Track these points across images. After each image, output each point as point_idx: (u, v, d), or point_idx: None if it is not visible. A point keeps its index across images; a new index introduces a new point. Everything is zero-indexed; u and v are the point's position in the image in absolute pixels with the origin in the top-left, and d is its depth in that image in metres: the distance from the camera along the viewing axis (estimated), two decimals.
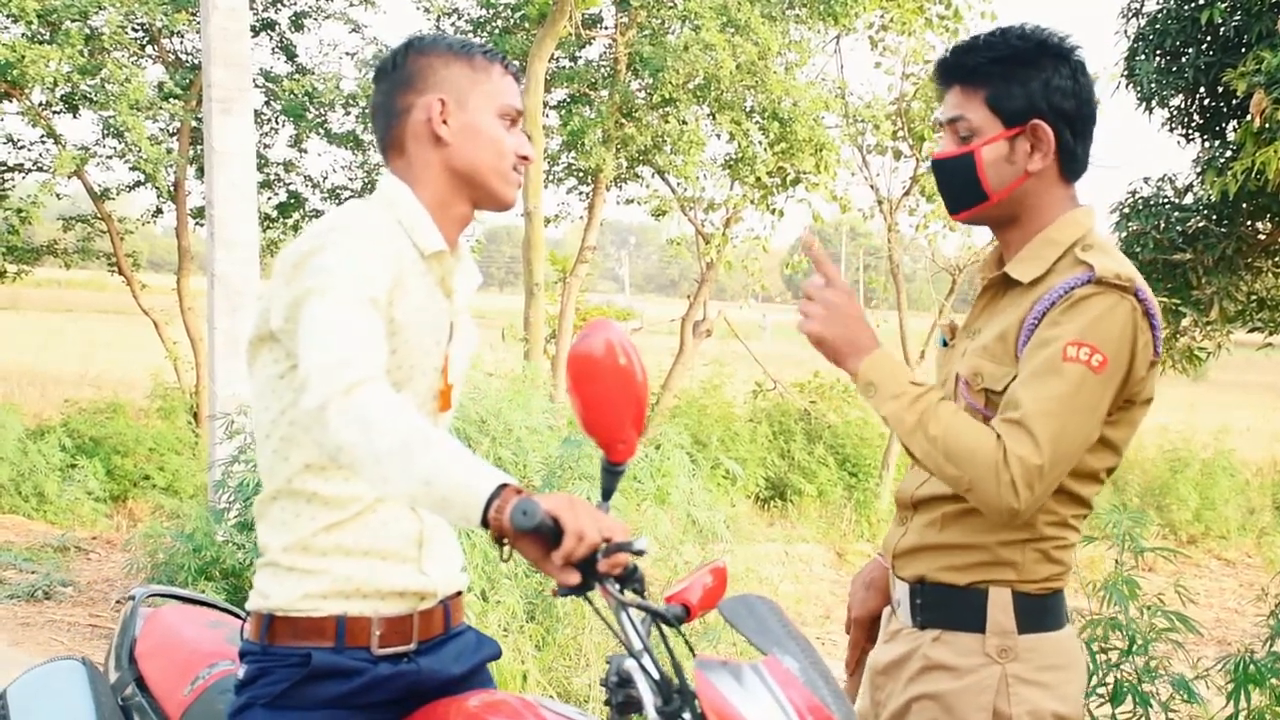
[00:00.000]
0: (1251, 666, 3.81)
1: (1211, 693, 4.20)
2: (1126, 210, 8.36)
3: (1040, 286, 2.21)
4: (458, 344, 2.18)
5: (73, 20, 10.09)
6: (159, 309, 12.12)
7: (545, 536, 1.70)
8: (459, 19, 13.36)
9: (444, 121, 2.11)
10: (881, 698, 2.40)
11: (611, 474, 1.86)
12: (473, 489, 1.75)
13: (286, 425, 2.06)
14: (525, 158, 2.17)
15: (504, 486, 1.75)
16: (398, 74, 2.16)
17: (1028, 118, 2.22)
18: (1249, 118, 6.76)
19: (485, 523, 1.74)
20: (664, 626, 1.85)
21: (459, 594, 2.25)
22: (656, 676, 1.79)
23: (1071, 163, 2.28)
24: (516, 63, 2.19)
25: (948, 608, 2.30)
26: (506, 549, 1.76)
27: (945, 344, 2.46)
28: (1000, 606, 2.25)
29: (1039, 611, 2.27)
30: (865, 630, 2.61)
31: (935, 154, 2.35)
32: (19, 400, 12.53)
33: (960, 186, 2.29)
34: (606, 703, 1.87)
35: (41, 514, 9.06)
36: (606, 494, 1.89)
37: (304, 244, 2.00)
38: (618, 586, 1.79)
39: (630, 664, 1.81)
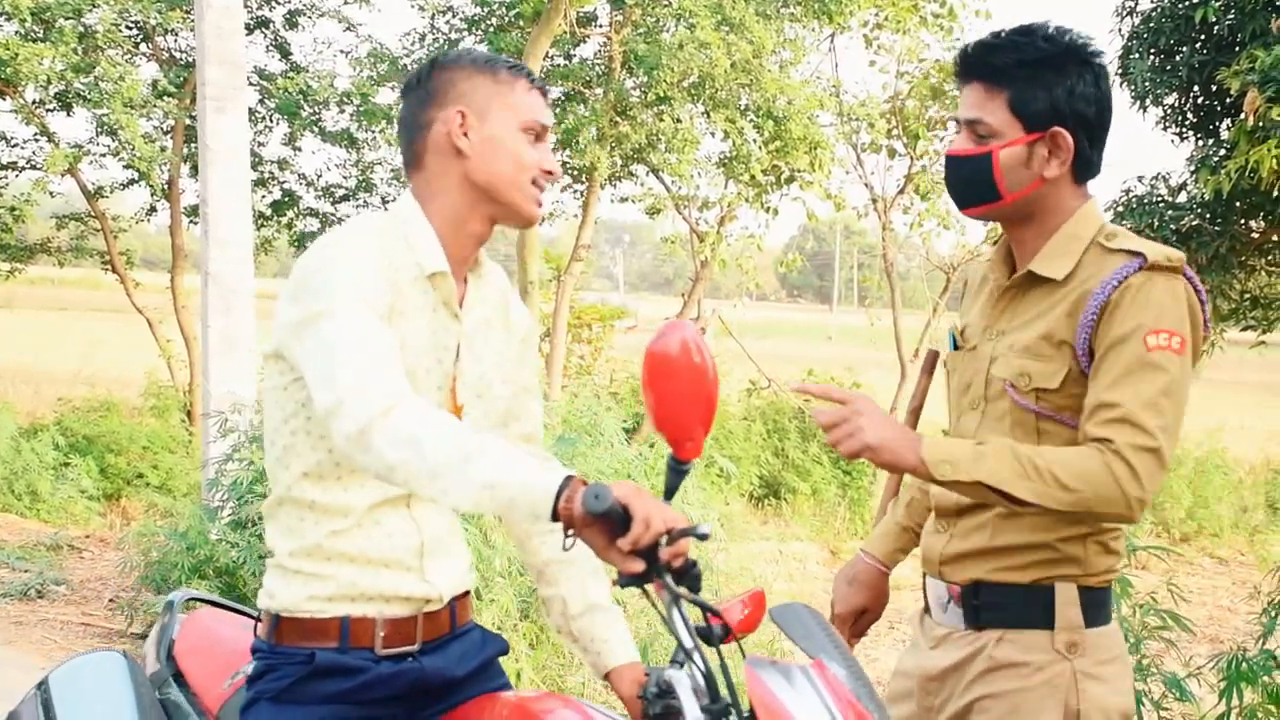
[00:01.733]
0: (1244, 664, 3.82)
1: (1204, 691, 4.21)
2: (1120, 208, 8.37)
3: (1074, 280, 2.22)
4: (468, 363, 2.17)
5: (66, 18, 10.08)
6: (153, 307, 12.11)
7: (614, 522, 1.74)
8: (454, 17, 13.35)
9: (464, 134, 2.11)
10: (935, 703, 2.39)
11: (677, 472, 1.87)
12: (540, 486, 1.78)
13: (288, 434, 2.09)
14: (550, 172, 2.15)
15: (570, 478, 1.78)
16: (422, 89, 2.17)
17: (1049, 124, 2.21)
18: (1243, 116, 6.77)
19: (555, 515, 1.76)
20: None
21: (466, 594, 2.26)
22: (704, 673, 1.80)
23: (1086, 168, 2.29)
24: (543, 80, 2.18)
25: (1012, 607, 2.30)
26: (571, 539, 1.79)
27: (956, 347, 2.44)
28: (1068, 601, 2.26)
29: (1100, 604, 2.29)
30: (847, 625, 2.64)
31: (950, 150, 2.33)
32: (12, 398, 12.50)
33: (974, 185, 2.29)
34: (644, 714, 1.89)
35: (35, 512, 9.05)
36: (670, 492, 1.89)
37: (308, 262, 2.02)
38: (674, 581, 1.80)
39: (672, 673, 1.84)
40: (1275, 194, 7.01)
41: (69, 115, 11.12)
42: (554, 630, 2.51)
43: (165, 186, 11.64)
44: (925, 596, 2.46)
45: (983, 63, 2.26)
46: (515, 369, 2.30)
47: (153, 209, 12.43)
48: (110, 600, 6.91)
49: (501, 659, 2.30)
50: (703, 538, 1.78)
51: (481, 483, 1.80)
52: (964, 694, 2.33)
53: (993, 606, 2.31)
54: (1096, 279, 2.18)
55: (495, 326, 2.25)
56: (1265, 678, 3.83)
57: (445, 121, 2.12)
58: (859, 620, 2.66)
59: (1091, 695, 2.23)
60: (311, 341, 1.95)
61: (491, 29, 12.96)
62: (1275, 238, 8.25)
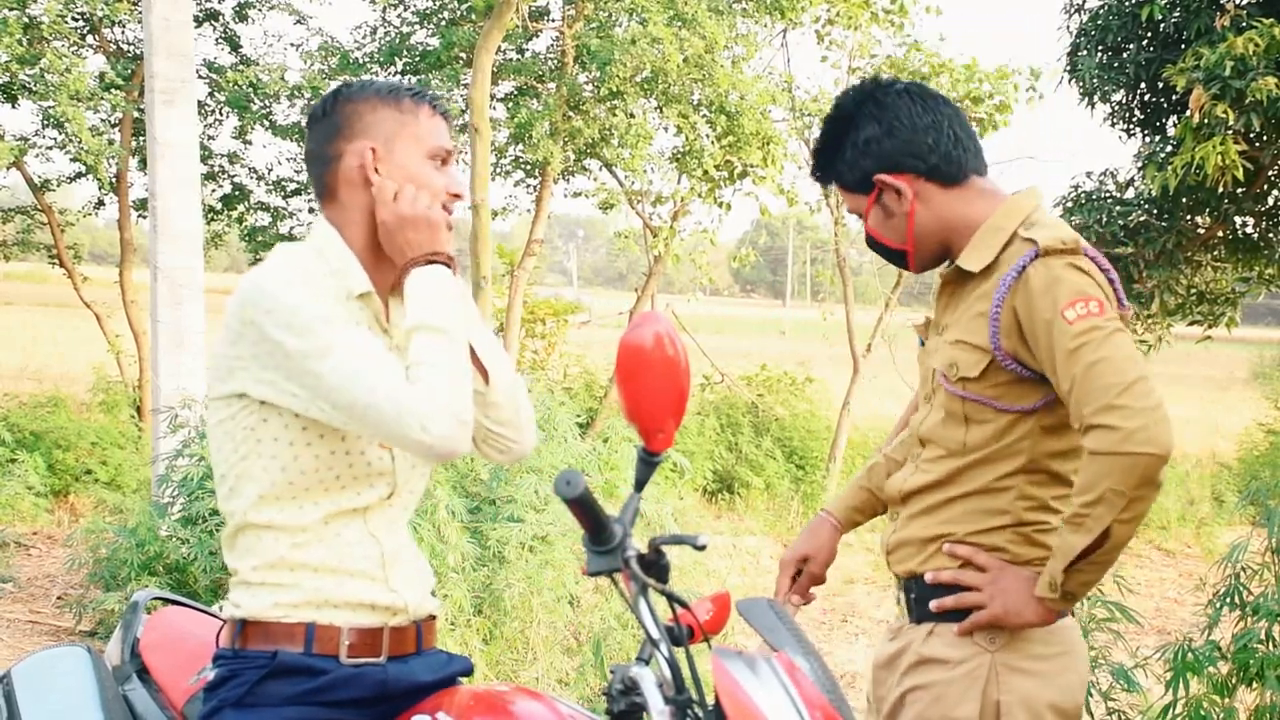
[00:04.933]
0: (1190, 655, 3.87)
1: (1151, 681, 4.26)
2: (1069, 204, 8.46)
3: (994, 272, 2.29)
4: None
5: (10, 9, 9.93)
6: (101, 302, 11.98)
7: (585, 509, 1.81)
8: (405, 10, 13.28)
9: (375, 167, 2.16)
10: (882, 692, 2.49)
11: (648, 463, 1.90)
12: None
13: (239, 461, 2.12)
14: (457, 195, 2.22)
15: None
16: (328, 121, 2.21)
17: (869, 180, 2.39)
18: (1188, 113, 6.86)
19: None
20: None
21: (432, 618, 2.29)
22: (669, 662, 1.82)
23: (940, 172, 2.37)
24: (445, 99, 2.25)
25: (938, 600, 2.36)
26: None
27: (923, 344, 2.55)
28: None
29: None
30: (789, 573, 2.70)
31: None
32: None
33: (887, 255, 2.49)
34: (608, 711, 1.91)
35: None
36: (640, 484, 1.91)
37: (257, 302, 2.03)
38: (641, 571, 1.82)
39: (636, 670, 1.85)
40: (1220, 190, 7.11)
41: (14, 108, 10.97)
42: None
43: (113, 180, 11.51)
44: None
45: (819, 174, 2.53)
46: None
47: (101, 203, 12.29)
48: (59, 598, 6.84)
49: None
50: (700, 548, 1.85)
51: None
52: (899, 685, 2.41)
53: (923, 600, 2.38)
54: (1000, 273, 2.27)
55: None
56: (1211, 668, 3.88)
57: (356, 154, 2.17)
58: (802, 570, 2.71)
59: (1014, 688, 2.27)
60: (326, 381, 2.01)
61: (443, 23, 12.91)
62: (1220, 234, 8.37)
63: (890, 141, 2.36)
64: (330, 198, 2.22)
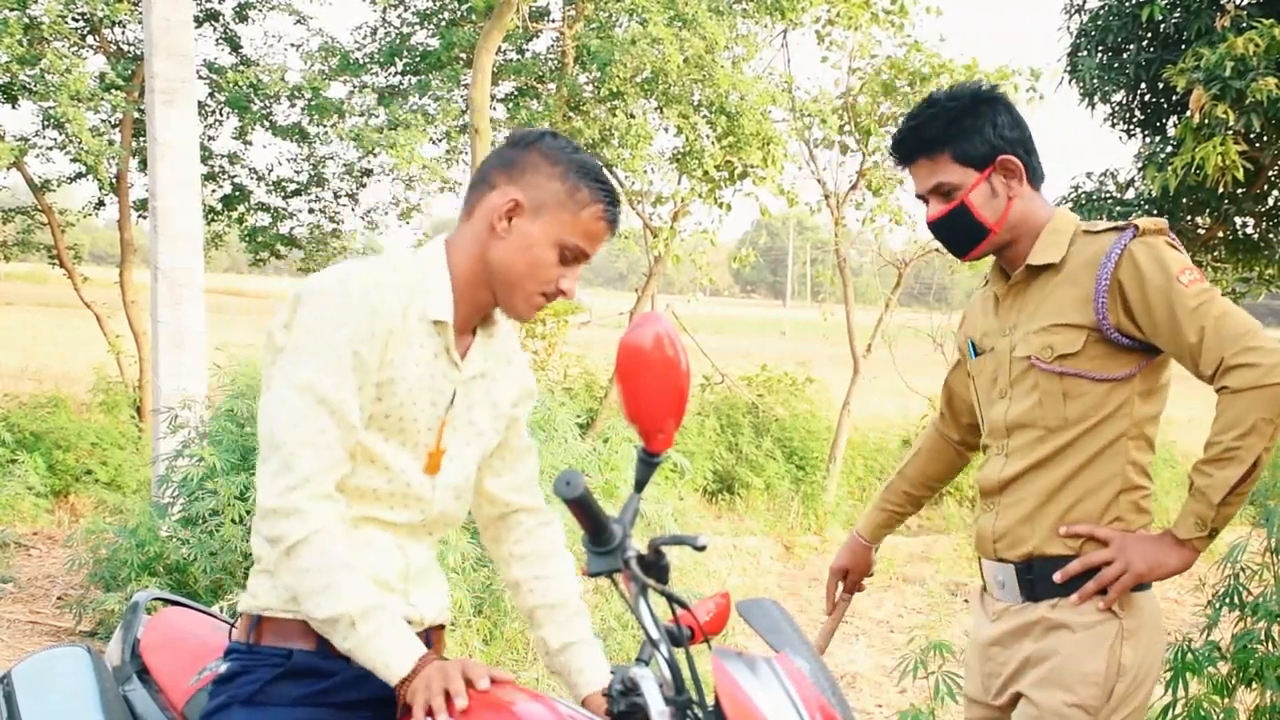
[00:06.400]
0: (1190, 655, 3.87)
1: None
2: (1070, 205, 8.45)
3: (1069, 263, 2.55)
4: (460, 410, 2.23)
5: (11, 9, 9.93)
6: (101, 302, 11.97)
7: (584, 510, 1.81)
8: (405, 10, 13.28)
9: (507, 219, 2.16)
10: (994, 668, 2.69)
11: (648, 464, 1.89)
12: (389, 670, 2.00)
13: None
14: (562, 293, 2.21)
15: (420, 660, 2.02)
16: (513, 153, 2.22)
17: (993, 157, 2.57)
18: (1188, 114, 6.86)
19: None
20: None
21: (442, 626, 2.32)
22: (669, 662, 1.82)
23: (1035, 175, 2.64)
24: (619, 213, 2.24)
25: (1065, 580, 2.56)
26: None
27: (977, 354, 2.77)
28: None
29: None
30: (835, 581, 3.19)
31: (930, 217, 2.65)
32: None
33: (963, 232, 2.62)
34: (608, 712, 1.91)
35: None
36: (640, 484, 1.91)
37: (301, 291, 2.09)
38: (641, 572, 1.83)
39: (636, 671, 1.85)
40: (1220, 191, 7.11)
41: (14, 108, 10.96)
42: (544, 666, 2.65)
43: (113, 180, 11.50)
44: (983, 577, 2.76)
45: (918, 141, 2.63)
46: (509, 428, 2.38)
47: (101, 203, 12.28)
48: (59, 598, 6.84)
49: (454, 655, 2.31)
50: (700, 548, 1.85)
51: (347, 645, 2.00)
52: (1023, 653, 2.60)
53: (1045, 579, 2.57)
54: (1095, 256, 2.50)
55: (497, 381, 2.31)
56: (1210, 668, 3.88)
57: (505, 196, 2.17)
58: (845, 580, 3.19)
59: (1136, 648, 2.51)
60: (273, 385, 2.06)
61: (443, 23, 12.91)
62: (1220, 234, 8.37)
63: (1017, 132, 2.59)
64: (467, 214, 2.23)
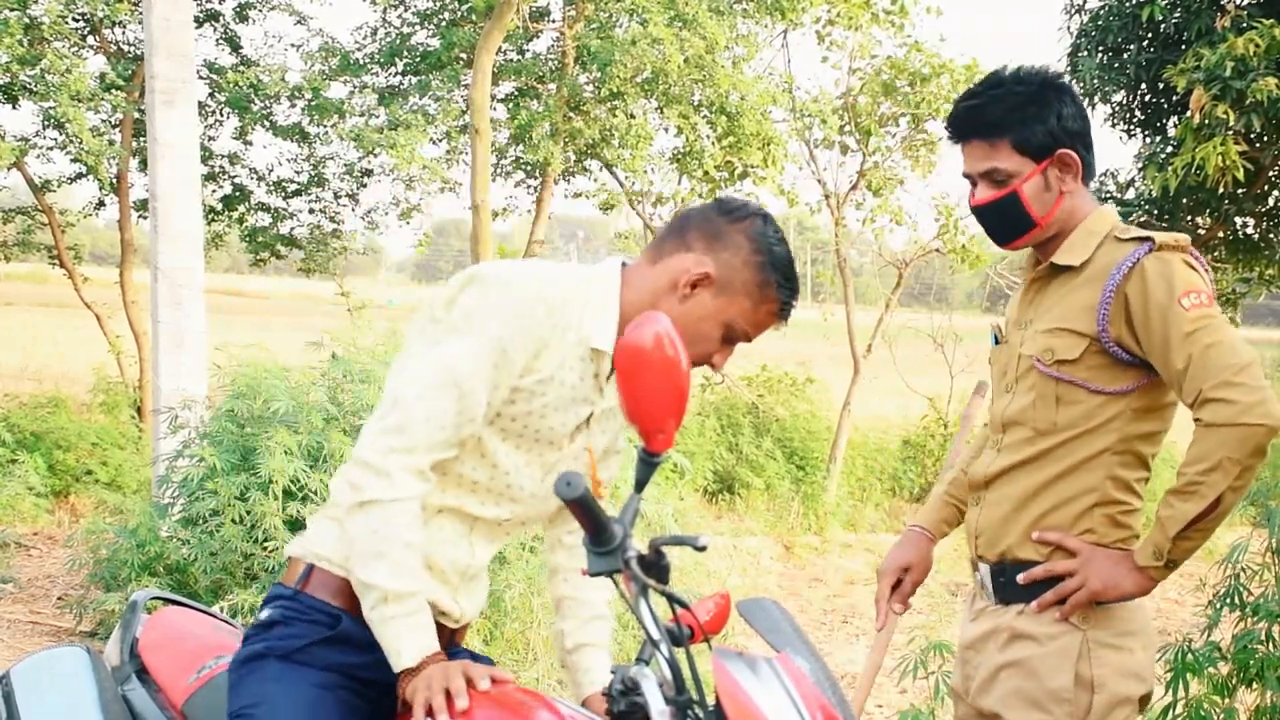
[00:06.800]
0: (1190, 655, 3.87)
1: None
2: None
3: (1090, 268, 2.48)
4: (596, 436, 2.27)
5: (11, 9, 9.93)
6: (101, 302, 11.96)
7: (584, 510, 1.81)
8: (406, 11, 13.29)
9: (691, 286, 2.17)
10: (970, 671, 2.66)
11: (648, 464, 1.88)
12: (400, 655, 2.03)
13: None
14: (714, 367, 2.24)
15: (429, 657, 2.02)
16: (721, 222, 2.20)
17: (1053, 150, 2.48)
18: (1189, 114, 6.86)
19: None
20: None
21: (468, 624, 2.36)
22: (669, 662, 1.82)
23: (1089, 172, 2.55)
24: (790, 305, 2.25)
25: (1032, 583, 2.51)
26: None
27: (997, 341, 2.72)
28: None
29: None
30: (889, 580, 2.90)
31: (976, 201, 2.56)
32: None
33: (1010, 222, 2.55)
34: (608, 712, 1.91)
35: None
36: (640, 484, 1.90)
37: (473, 271, 2.11)
38: (642, 572, 1.83)
39: (637, 670, 1.86)
40: (1220, 191, 7.11)
41: (14, 108, 10.96)
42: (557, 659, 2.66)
43: (114, 181, 11.50)
44: (974, 576, 2.71)
45: (977, 121, 2.52)
46: (617, 441, 2.40)
47: (101, 203, 12.28)
48: (59, 598, 6.84)
49: None
50: (700, 549, 1.85)
51: (371, 614, 2.03)
52: (991, 661, 2.56)
53: (1012, 583, 2.54)
54: (1109, 264, 2.43)
55: (617, 411, 2.31)
56: (1210, 669, 3.88)
57: (698, 263, 2.16)
58: (903, 580, 2.90)
59: (1105, 661, 2.45)
60: (415, 351, 2.11)
61: (444, 23, 12.91)
62: (1221, 234, 8.37)
63: (1080, 124, 2.51)
64: (652, 260, 2.22)
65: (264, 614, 2.17)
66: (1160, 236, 2.41)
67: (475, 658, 2.30)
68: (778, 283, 2.18)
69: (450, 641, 2.26)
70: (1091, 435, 2.46)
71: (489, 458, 2.16)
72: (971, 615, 2.69)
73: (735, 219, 2.19)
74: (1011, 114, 2.47)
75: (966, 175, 2.58)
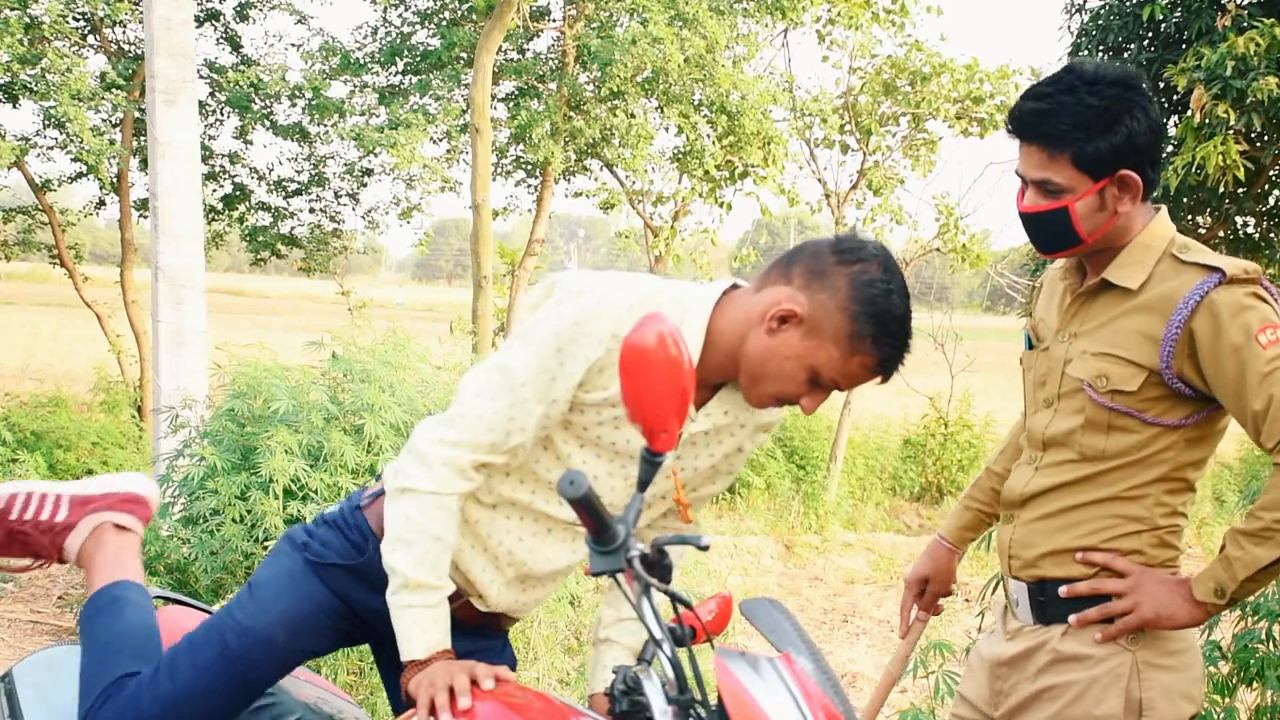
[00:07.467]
0: None
1: None
2: None
3: (1147, 291, 2.32)
4: (691, 458, 2.27)
5: (12, 8, 9.93)
6: (102, 301, 11.97)
7: (587, 510, 1.81)
8: (406, 10, 13.29)
9: (780, 321, 2.09)
10: (1004, 687, 2.55)
11: (651, 464, 1.87)
12: (412, 644, 2.07)
13: None
14: (794, 404, 2.15)
15: (441, 652, 2.06)
16: (829, 260, 2.09)
17: (1115, 169, 2.28)
18: (1189, 113, 6.85)
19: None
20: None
21: (515, 618, 2.41)
22: (672, 661, 1.83)
23: (1150, 189, 2.36)
24: (892, 363, 2.12)
25: (1075, 602, 2.42)
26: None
27: (1031, 345, 2.59)
28: None
29: None
30: (913, 592, 2.90)
31: (1025, 208, 2.39)
32: None
33: (1055, 235, 2.36)
34: (610, 711, 1.93)
35: None
36: (643, 484, 1.90)
37: (566, 281, 2.12)
38: (644, 571, 1.83)
39: (639, 670, 1.87)
40: (1221, 190, 7.11)
41: (15, 107, 10.97)
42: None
43: (114, 180, 11.50)
44: (1006, 592, 2.61)
45: (1041, 129, 2.31)
46: (730, 460, 2.36)
47: (102, 203, 12.29)
48: (60, 597, 6.84)
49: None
50: (703, 548, 1.83)
51: (390, 597, 2.08)
52: (1031, 682, 2.48)
53: (1057, 602, 2.44)
54: (1173, 294, 2.28)
55: (724, 433, 2.28)
56: (1211, 668, 3.88)
57: (793, 301, 2.07)
58: (925, 590, 2.90)
59: (1155, 683, 2.36)
60: (495, 354, 2.14)
61: (444, 23, 12.91)
62: (1221, 234, 8.36)
63: (1147, 139, 2.30)
64: (759, 287, 2.15)
65: (332, 510, 2.31)
66: (1230, 267, 2.25)
67: (504, 651, 2.33)
68: (873, 337, 2.06)
69: (481, 624, 2.30)
70: (1143, 465, 2.36)
71: (562, 459, 2.18)
72: (1007, 634, 2.57)
73: (844, 260, 2.08)
74: (1078, 130, 2.27)
75: (1018, 174, 2.41)
